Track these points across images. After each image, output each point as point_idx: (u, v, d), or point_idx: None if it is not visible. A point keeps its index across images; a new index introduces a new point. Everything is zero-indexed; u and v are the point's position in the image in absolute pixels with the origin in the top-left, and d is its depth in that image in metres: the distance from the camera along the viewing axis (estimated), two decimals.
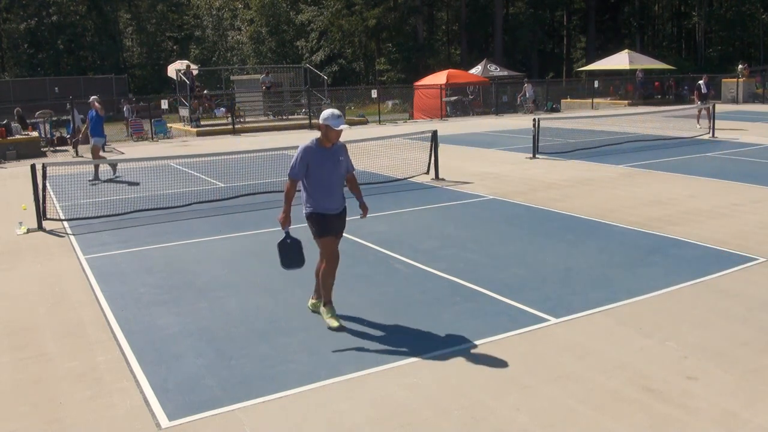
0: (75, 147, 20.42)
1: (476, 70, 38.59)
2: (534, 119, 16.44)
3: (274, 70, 33.01)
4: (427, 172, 13.62)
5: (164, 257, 8.28)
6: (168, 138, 24.79)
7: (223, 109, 28.59)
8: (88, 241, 9.18)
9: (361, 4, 48.37)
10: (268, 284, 7.03)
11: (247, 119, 27.70)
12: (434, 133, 13.70)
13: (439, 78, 32.68)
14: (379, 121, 28.50)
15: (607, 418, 4.24)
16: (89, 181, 14.17)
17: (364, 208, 6.00)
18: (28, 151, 19.49)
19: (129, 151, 20.48)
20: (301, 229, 6.12)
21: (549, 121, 19.16)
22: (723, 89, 34.19)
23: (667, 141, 18.17)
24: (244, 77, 35.51)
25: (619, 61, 37.99)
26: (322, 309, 5.88)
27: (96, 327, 6.01)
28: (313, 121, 26.03)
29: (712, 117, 19.48)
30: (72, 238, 9.46)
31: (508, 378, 4.81)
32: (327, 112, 5.63)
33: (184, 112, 27.70)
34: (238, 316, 6.15)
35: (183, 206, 11.09)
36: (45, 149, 21.34)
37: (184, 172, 15.35)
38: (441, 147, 14.15)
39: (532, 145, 16.08)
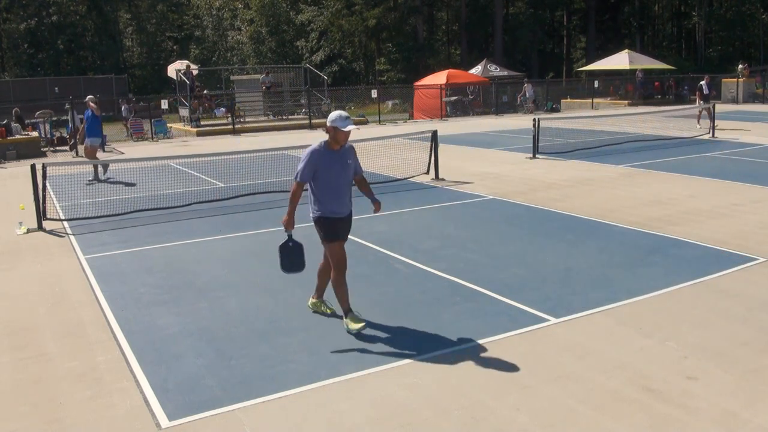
0: (73, 148, 20.39)
1: (476, 70, 38.58)
2: (534, 119, 16.44)
3: (274, 70, 33.01)
4: (427, 172, 13.63)
5: (164, 257, 8.28)
6: (168, 138, 24.79)
7: (223, 109, 28.58)
8: (88, 241, 9.18)
9: (361, 4, 48.36)
10: (268, 284, 7.03)
11: (247, 119, 27.70)
12: (434, 133, 13.70)
13: (439, 78, 32.66)
14: (379, 121, 28.49)
15: (607, 418, 4.24)
16: (88, 181, 14.12)
17: (376, 204, 5.96)
18: (28, 151, 19.49)
19: (129, 151, 20.48)
20: (304, 230, 6.12)
21: (549, 121, 19.16)
22: (723, 89, 34.19)
23: (667, 141, 18.17)
24: (244, 77, 35.51)
25: (619, 61, 37.99)
26: (345, 320, 5.68)
27: (96, 327, 6.01)
28: (314, 121, 26.07)
29: (712, 117, 19.50)
30: (72, 238, 9.46)
31: (508, 378, 4.81)
32: (334, 114, 5.58)
33: (184, 112, 27.71)
34: (238, 316, 6.15)
35: (183, 206, 11.09)
36: (45, 149, 21.34)
37: (184, 172, 15.35)
38: (441, 147, 14.15)
39: (532, 145, 16.08)
